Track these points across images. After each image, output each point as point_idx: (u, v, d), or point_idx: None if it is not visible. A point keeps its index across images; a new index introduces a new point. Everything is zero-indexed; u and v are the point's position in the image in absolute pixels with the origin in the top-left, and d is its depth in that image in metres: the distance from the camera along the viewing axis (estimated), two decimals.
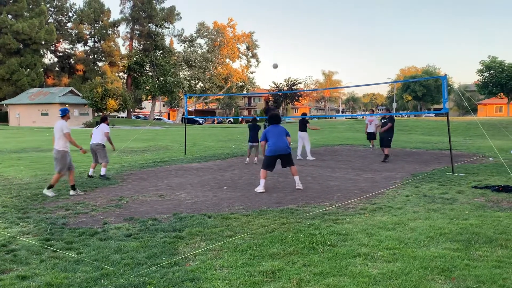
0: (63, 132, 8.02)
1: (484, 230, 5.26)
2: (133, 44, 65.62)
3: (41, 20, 56.66)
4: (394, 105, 65.89)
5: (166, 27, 65.88)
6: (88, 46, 67.22)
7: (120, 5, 66.12)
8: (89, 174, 10.19)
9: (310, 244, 4.80)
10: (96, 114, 53.69)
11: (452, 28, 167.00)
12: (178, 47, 69.93)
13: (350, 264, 4.19)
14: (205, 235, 5.25)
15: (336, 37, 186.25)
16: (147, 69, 64.40)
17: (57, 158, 8.05)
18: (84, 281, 3.86)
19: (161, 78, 61.31)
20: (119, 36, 66.87)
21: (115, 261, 4.36)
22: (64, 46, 68.13)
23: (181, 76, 63.27)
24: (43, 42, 58.64)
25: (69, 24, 66.83)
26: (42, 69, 61.10)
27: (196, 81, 64.55)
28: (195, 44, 65.77)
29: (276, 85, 76.87)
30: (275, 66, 18.04)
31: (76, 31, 64.61)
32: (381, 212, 6.39)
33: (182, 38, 66.40)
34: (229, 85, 64.44)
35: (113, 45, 64.28)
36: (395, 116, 15.40)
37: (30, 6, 58.08)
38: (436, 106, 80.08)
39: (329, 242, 4.86)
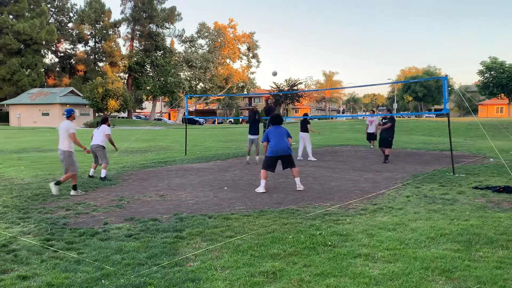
0: (69, 133, 8.09)
1: (485, 231, 5.26)
2: (134, 44, 65.65)
3: (42, 21, 56.74)
4: (395, 105, 65.90)
5: (167, 28, 65.92)
6: (89, 46, 67.36)
7: (120, 6, 66.17)
8: (90, 174, 10.20)
9: (311, 245, 4.80)
10: (96, 114, 53.74)
11: (453, 28, 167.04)
12: (179, 47, 70.10)
13: (351, 265, 4.19)
14: (206, 236, 5.26)
15: (336, 38, 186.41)
16: (148, 69, 64.41)
17: (64, 158, 8.10)
18: (84, 281, 3.86)
19: (162, 79, 61.33)
20: (120, 37, 66.99)
21: (115, 261, 4.36)
22: (65, 46, 68.32)
23: (182, 76, 63.31)
24: (44, 43, 58.71)
25: (70, 25, 66.94)
26: (43, 69, 61.20)
27: (197, 82, 64.58)
28: (196, 45, 65.81)
29: (276, 85, 76.91)
30: (275, 74, 18.40)
31: (77, 32, 64.65)
32: (382, 212, 6.39)
33: (183, 38, 66.45)
34: (229, 85, 64.43)
35: (113, 46, 64.34)
36: (396, 117, 15.38)
37: (31, 7, 58.15)
38: (436, 106, 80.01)
39: (329, 243, 4.86)
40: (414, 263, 4.20)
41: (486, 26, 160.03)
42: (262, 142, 8.76)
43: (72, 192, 8.09)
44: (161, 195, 8.06)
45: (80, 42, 66.58)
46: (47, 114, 51.80)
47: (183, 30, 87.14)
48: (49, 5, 63.39)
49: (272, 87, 77.95)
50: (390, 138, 12.74)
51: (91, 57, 66.96)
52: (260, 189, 8.26)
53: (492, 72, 53.48)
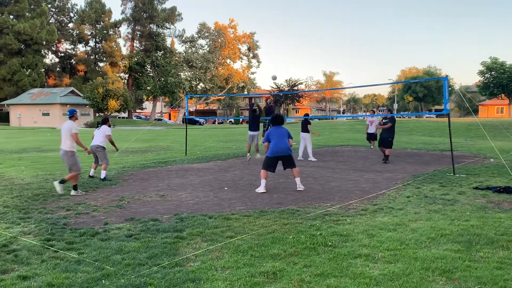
0: (71, 133, 8.12)
1: (485, 231, 5.25)
2: (134, 44, 65.69)
3: (42, 21, 56.77)
4: (395, 106, 65.91)
5: (167, 28, 65.97)
6: (89, 46, 67.41)
7: (121, 6, 66.45)
8: (90, 174, 10.20)
9: (311, 245, 4.80)
10: (97, 114, 53.77)
11: (453, 28, 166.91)
12: (179, 47, 70.17)
13: (351, 265, 4.19)
14: (206, 236, 5.26)
15: (336, 38, 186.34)
16: (148, 69, 64.47)
17: (67, 158, 8.13)
18: (85, 282, 3.86)
19: (162, 79, 61.37)
20: (120, 37, 67.04)
21: (116, 262, 4.36)
22: (65, 46, 68.37)
23: (182, 76, 63.35)
24: (44, 43, 58.76)
25: (71, 25, 66.97)
26: (43, 70, 61.24)
27: (197, 82, 64.62)
28: (196, 45, 65.89)
29: (277, 85, 76.92)
30: (274, 78, 19.01)
31: (77, 32, 64.69)
32: (382, 213, 6.39)
33: (183, 38, 66.52)
34: (230, 85, 64.46)
35: (114, 46, 64.37)
36: (396, 117, 15.39)
37: (32, 7, 58.19)
38: (437, 107, 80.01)
39: (330, 243, 4.86)
40: (414, 263, 4.20)
41: (486, 26, 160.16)
42: (264, 142, 8.77)
43: (73, 192, 8.09)
44: (162, 195, 8.06)
45: (80, 42, 66.64)
46: (48, 114, 51.84)
47: (184, 30, 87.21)
48: (49, 5, 63.42)
49: (272, 87, 77.98)
50: (390, 139, 12.73)
51: (92, 57, 67.00)
52: (261, 189, 8.26)
53: (492, 73, 53.46)
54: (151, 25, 63.36)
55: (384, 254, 4.49)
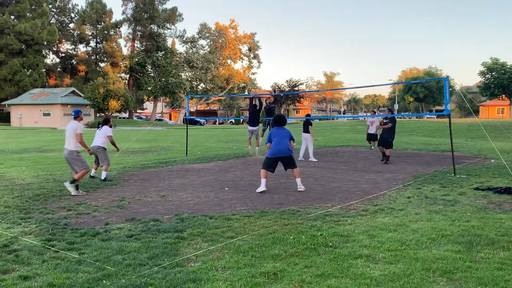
0: (76, 133, 8.18)
1: (486, 232, 5.25)
2: (135, 45, 65.75)
3: (43, 21, 56.82)
4: (396, 106, 65.88)
5: (168, 28, 66.05)
6: (90, 46, 67.45)
7: (122, 6, 66.33)
8: (91, 175, 10.20)
9: (312, 246, 4.80)
10: (98, 114, 53.80)
11: (453, 28, 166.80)
12: (180, 48, 70.36)
13: (352, 266, 4.19)
14: (207, 236, 5.26)
15: (336, 38, 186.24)
16: (149, 70, 64.52)
17: (72, 158, 8.15)
18: (86, 282, 3.87)
19: (163, 79, 61.40)
20: (121, 37, 67.11)
21: (117, 262, 4.37)
22: (66, 46, 68.43)
23: (183, 77, 63.40)
24: (45, 43, 58.80)
25: (71, 25, 67.02)
26: (44, 70, 61.27)
27: (198, 82, 64.65)
28: (197, 45, 65.93)
29: (277, 86, 76.93)
30: (274, 88, 18.98)
31: (78, 32, 64.75)
32: (383, 213, 6.39)
33: (184, 39, 66.58)
34: (230, 86, 64.49)
35: (115, 46, 64.43)
36: (397, 118, 15.39)
37: (33, 7, 58.24)
38: (438, 107, 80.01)
39: (330, 244, 4.86)
40: (415, 264, 4.20)
41: (486, 26, 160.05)
42: (266, 143, 8.79)
43: (74, 192, 8.10)
44: (162, 195, 8.07)
45: (81, 43, 66.69)
46: (48, 115, 51.87)
47: (184, 30, 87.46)
48: (50, 6, 63.46)
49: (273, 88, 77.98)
50: (391, 139, 12.73)
51: (92, 57, 67.06)
52: (261, 188, 8.27)
53: (493, 73, 53.46)
54: (152, 26, 63.43)
55: (385, 254, 4.49)
